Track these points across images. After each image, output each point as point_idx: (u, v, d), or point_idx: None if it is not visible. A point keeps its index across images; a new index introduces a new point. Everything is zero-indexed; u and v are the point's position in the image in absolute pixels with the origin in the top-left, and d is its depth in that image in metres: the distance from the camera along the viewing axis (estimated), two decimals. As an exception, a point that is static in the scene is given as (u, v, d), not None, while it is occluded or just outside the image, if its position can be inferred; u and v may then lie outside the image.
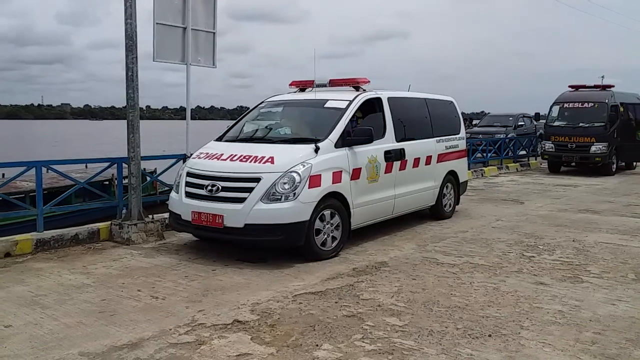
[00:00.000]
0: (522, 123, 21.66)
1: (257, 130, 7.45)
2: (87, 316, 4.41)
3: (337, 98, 7.17)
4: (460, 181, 9.20)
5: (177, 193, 6.59)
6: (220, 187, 6.09)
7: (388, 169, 7.23)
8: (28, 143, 44.43)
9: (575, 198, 11.14)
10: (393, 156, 7.31)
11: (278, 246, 6.21)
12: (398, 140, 7.49)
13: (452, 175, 8.86)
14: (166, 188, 9.02)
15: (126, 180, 7.40)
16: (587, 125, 15.48)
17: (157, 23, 7.52)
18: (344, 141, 6.58)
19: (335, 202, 6.33)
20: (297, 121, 7.45)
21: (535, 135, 19.97)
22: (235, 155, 6.39)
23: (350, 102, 7.00)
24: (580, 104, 15.96)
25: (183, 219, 6.38)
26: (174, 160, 8.44)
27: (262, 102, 8.00)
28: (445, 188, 8.67)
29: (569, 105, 16.19)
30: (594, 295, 4.97)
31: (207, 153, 6.74)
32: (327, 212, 6.24)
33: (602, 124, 15.26)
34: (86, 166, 13.47)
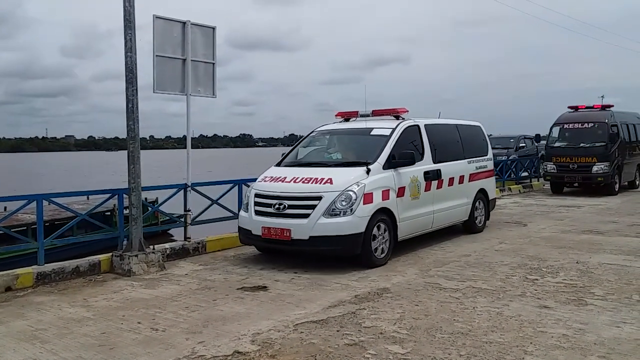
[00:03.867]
0: (524, 144, 21.67)
1: (311, 156, 8.45)
2: (87, 350, 4.38)
3: (382, 126, 8.14)
4: (490, 198, 10.05)
5: (247, 212, 7.50)
6: (286, 205, 7.00)
7: (427, 187, 8.10)
8: (61, 175, 45.00)
9: (579, 219, 11.09)
10: (431, 176, 8.18)
11: (338, 255, 7.08)
12: (435, 162, 8.40)
13: (482, 193, 9.73)
14: (167, 218, 9.02)
15: (127, 211, 7.41)
16: (588, 145, 15.48)
17: (156, 55, 7.63)
18: (390, 163, 7.50)
19: (384, 216, 7.18)
20: (347, 147, 8.40)
21: (536, 156, 19.98)
22: (298, 177, 7.31)
23: (394, 129, 7.94)
24: (580, 124, 15.97)
25: (253, 233, 7.28)
26: (174, 190, 8.47)
27: (313, 131, 8.97)
28: (477, 204, 9.51)
29: (569, 126, 16.21)
30: (599, 318, 4.91)
31: (272, 176, 7.65)
32: (380, 225, 7.10)
33: (603, 143, 15.27)
34: (87, 197, 13.47)
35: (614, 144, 15.39)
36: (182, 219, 8.41)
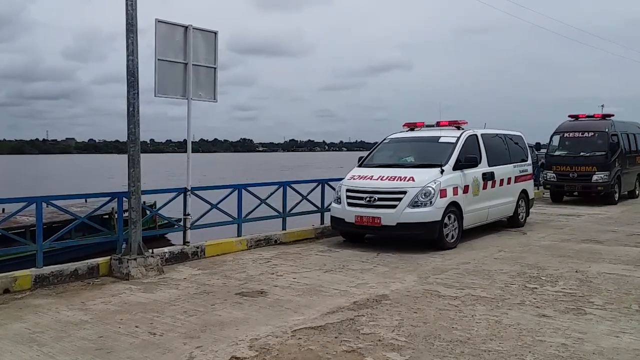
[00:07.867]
0: (524, 153, 21.62)
1: (388, 158, 9.87)
2: (84, 354, 4.36)
3: (448, 135, 9.72)
4: (530, 198, 11.58)
5: (339, 204, 9.09)
6: (376, 198, 8.60)
7: (484, 186, 9.68)
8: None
9: (578, 228, 11.08)
10: (487, 177, 9.78)
11: (419, 238, 8.59)
12: (489, 166, 9.94)
13: (524, 193, 11.28)
14: (165, 222, 9.00)
15: (126, 214, 7.39)
16: (588, 154, 15.49)
17: (158, 59, 7.64)
18: (457, 165, 9.07)
19: (454, 208, 8.71)
20: (419, 152, 9.82)
21: (536, 164, 19.94)
22: (384, 176, 8.89)
23: (458, 138, 9.54)
24: (580, 133, 15.99)
25: (346, 221, 8.89)
26: (174, 194, 8.45)
27: (385, 138, 10.56)
28: (520, 202, 11.08)
29: (569, 134, 16.22)
30: (598, 328, 4.90)
31: (359, 175, 9.28)
32: (450, 216, 8.62)
33: (603, 153, 15.28)
34: (85, 201, 13.41)
35: (614, 153, 15.40)
36: (181, 223, 8.40)
